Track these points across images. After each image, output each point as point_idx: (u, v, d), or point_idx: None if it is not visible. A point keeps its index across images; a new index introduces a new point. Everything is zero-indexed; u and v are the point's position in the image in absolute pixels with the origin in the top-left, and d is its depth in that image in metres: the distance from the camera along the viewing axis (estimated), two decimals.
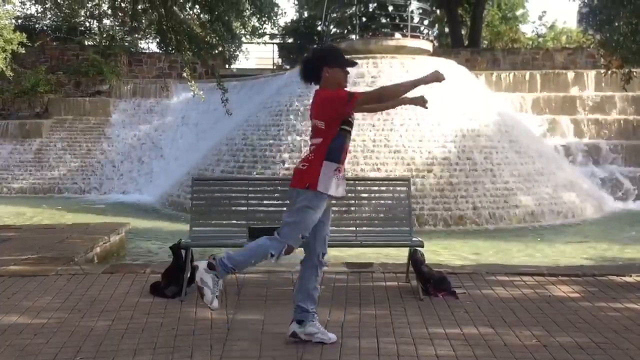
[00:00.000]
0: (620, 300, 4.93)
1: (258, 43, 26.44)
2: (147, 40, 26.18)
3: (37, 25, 25.21)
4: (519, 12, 30.34)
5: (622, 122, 17.41)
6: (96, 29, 25.37)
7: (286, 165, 13.55)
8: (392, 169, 12.89)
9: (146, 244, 10.07)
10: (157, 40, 25.09)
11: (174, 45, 10.79)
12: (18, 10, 24.77)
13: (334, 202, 4.07)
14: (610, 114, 17.81)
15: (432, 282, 5.04)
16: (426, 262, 5.20)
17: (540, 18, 39.32)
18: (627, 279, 5.63)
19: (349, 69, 4.00)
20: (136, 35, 24.72)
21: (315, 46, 23.52)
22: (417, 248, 5.16)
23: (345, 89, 3.94)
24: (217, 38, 11.03)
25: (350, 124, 3.92)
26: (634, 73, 10.77)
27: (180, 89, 20.58)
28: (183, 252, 5.09)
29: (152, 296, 4.98)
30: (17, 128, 19.38)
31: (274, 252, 3.81)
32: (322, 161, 3.83)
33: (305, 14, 29.00)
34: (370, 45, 17.15)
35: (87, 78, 20.80)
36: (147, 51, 24.77)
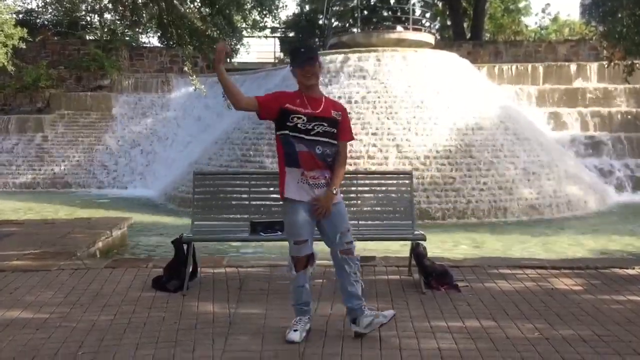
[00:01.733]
0: (623, 293, 4.92)
1: (259, 37, 26.30)
2: (148, 35, 26.10)
3: (38, 20, 25.14)
4: (521, 4, 30.19)
5: (624, 114, 17.36)
6: (97, 23, 25.30)
7: None
8: (393, 162, 12.87)
9: (148, 238, 10.09)
10: (158, 34, 25.00)
11: (175, 40, 10.77)
12: (19, 5, 24.77)
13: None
14: (613, 107, 17.75)
15: (434, 276, 5.04)
16: (428, 255, 5.19)
17: (543, 10, 39.20)
18: (630, 271, 5.62)
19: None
20: (137, 30, 24.65)
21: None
22: (419, 241, 5.15)
23: (314, 88, 3.89)
24: (218, 32, 10.99)
25: (296, 129, 3.80)
26: (637, 65, 10.74)
27: (181, 83, 20.57)
28: (185, 246, 5.09)
29: (154, 290, 4.98)
30: (18, 123, 19.40)
31: (288, 269, 3.93)
32: (284, 167, 3.89)
33: (307, 8, 28.88)
34: (371, 39, 17.10)
35: (88, 73, 20.79)
36: (148, 45, 24.71)
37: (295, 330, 3.82)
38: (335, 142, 3.89)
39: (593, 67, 18.62)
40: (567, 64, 19.31)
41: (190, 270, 5.09)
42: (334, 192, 3.84)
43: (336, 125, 3.89)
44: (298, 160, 3.82)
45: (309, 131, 3.81)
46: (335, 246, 3.90)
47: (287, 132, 3.83)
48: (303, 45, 4.16)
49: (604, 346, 3.78)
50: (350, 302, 3.91)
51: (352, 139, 4.07)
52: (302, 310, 3.93)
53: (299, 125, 3.80)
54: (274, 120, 3.89)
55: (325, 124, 3.84)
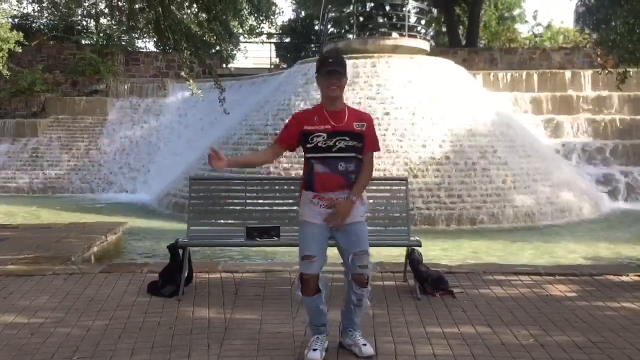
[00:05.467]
0: (617, 300, 4.94)
1: (255, 42, 26.42)
2: (144, 39, 26.14)
3: (33, 24, 25.13)
4: (515, 12, 30.39)
5: (618, 121, 17.44)
6: (93, 27, 25.32)
7: (283, 165, 13.54)
8: (389, 168, 12.89)
9: (143, 243, 10.06)
10: (155, 39, 25.03)
11: (172, 45, 10.77)
12: (15, 9, 24.76)
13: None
14: (606, 114, 17.84)
15: (430, 282, 5.05)
16: (423, 261, 5.21)
17: (534, 17, 39.50)
18: (624, 278, 5.64)
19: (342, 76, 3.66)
20: (133, 34, 24.69)
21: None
22: (414, 247, 5.17)
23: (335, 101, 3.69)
24: (215, 37, 11.01)
25: (317, 149, 3.62)
26: (630, 73, 10.79)
27: (177, 88, 20.57)
28: (180, 251, 5.09)
29: (150, 295, 4.97)
30: (13, 127, 19.35)
31: (296, 288, 3.73)
32: (302, 190, 3.76)
33: (303, 13, 28.97)
34: (367, 45, 17.15)
35: (84, 77, 20.77)
36: (144, 50, 24.74)
37: (314, 350, 3.64)
38: (361, 156, 3.69)
39: (587, 74, 18.70)
40: (561, 71, 19.39)
41: (186, 275, 5.09)
42: (354, 199, 3.62)
43: (360, 138, 3.67)
44: (313, 182, 3.65)
45: (330, 148, 3.62)
46: (348, 267, 3.73)
47: (307, 154, 3.68)
48: (333, 55, 3.75)
49: (598, 353, 3.80)
50: (343, 318, 3.87)
51: (377, 149, 3.82)
52: (319, 330, 3.76)
53: (319, 144, 3.62)
54: (300, 144, 3.73)
55: (347, 138, 3.63)
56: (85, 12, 25.76)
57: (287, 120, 3.83)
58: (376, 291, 5.12)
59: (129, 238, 9.81)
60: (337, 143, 3.62)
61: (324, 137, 3.63)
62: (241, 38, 23.65)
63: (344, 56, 3.95)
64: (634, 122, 17.35)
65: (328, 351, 3.74)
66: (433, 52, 18.75)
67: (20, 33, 18.26)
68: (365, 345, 3.75)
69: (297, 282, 3.70)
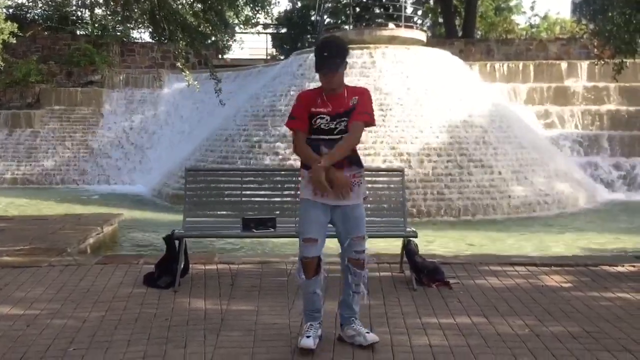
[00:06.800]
0: (613, 290, 4.96)
1: (251, 33, 26.30)
2: (139, 30, 25.96)
3: (28, 15, 24.96)
4: (512, 3, 30.30)
5: (614, 112, 17.47)
6: (88, 18, 25.15)
7: (280, 156, 13.53)
8: (385, 159, 12.89)
9: (139, 234, 10.06)
10: (150, 29, 24.88)
11: (167, 35, 10.72)
12: (9, 0, 24.54)
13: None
14: (603, 105, 17.86)
15: (426, 273, 5.06)
16: (419, 252, 5.21)
17: (532, 8, 39.37)
18: (619, 268, 5.66)
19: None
20: (128, 25, 24.52)
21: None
22: (410, 238, 5.17)
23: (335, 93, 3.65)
24: (211, 28, 10.96)
25: (320, 131, 3.65)
26: (626, 63, 10.79)
27: (172, 79, 20.49)
28: (176, 242, 5.08)
29: (146, 287, 4.96)
30: (8, 118, 19.28)
31: (297, 272, 3.73)
32: (303, 170, 3.75)
33: (299, 4, 28.81)
34: (364, 36, 17.12)
35: (79, 68, 20.67)
36: (140, 41, 24.58)
37: (308, 337, 3.63)
38: None
39: (584, 65, 18.70)
40: (558, 62, 19.38)
41: (182, 266, 5.08)
42: (321, 163, 3.54)
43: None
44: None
45: (333, 130, 3.65)
46: (344, 252, 3.75)
47: (311, 135, 3.67)
48: (329, 46, 3.63)
49: (594, 343, 3.81)
50: (342, 309, 3.86)
51: (369, 121, 3.74)
52: (313, 317, 3.76)
53: (322, 126, 3.65)
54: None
55: (346, 119, 3.66)
56: (79, 2, 25.58)
57: (294, 103, 3.77)
58: (372, 282, 5.13)
59: (125, 229, 9.80)
60: (337, 125, 3.66)
61: (327, 120, 3.66)
62: (237, 29, 23.50)
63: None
64: (630, 113, 17.37)
65: (322, 340, 3.73)
66: (429, 43, 18.71)
67: (15, 24, 18.15)
68: (368, 332, 3.75)
69: (299, 265, 3.72)
